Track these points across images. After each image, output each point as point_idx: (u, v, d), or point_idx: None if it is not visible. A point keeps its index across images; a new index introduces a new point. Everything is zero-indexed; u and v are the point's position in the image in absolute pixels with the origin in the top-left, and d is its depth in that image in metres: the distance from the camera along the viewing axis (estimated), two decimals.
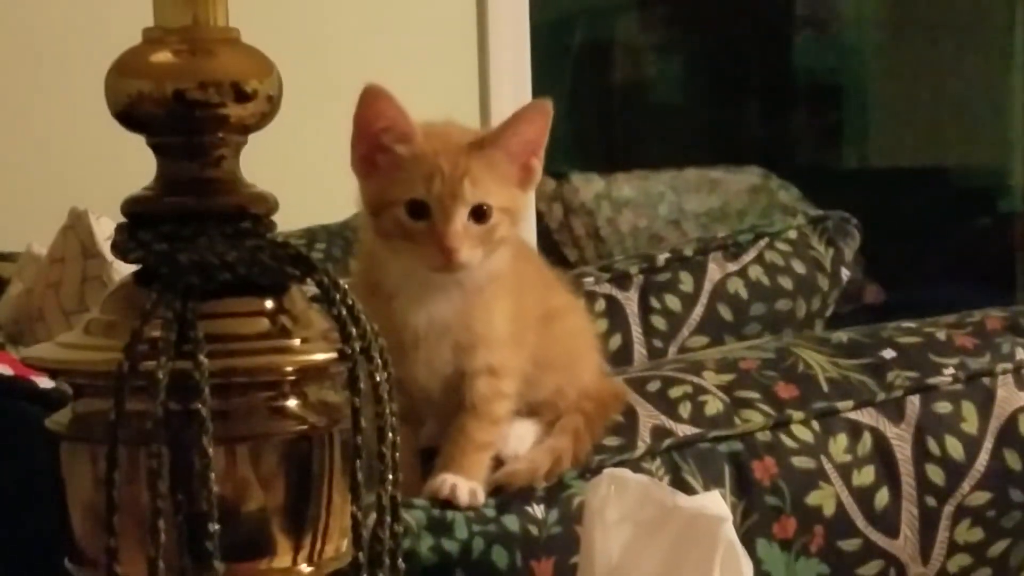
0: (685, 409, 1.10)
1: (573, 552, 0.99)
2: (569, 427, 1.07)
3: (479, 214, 0.99)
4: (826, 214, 1.53)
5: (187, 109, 0.68)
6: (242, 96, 0.69)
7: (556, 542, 1.01)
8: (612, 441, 1.08)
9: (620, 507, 0.93)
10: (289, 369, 0.69)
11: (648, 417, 1.09)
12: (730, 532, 0.92)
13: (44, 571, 0.76)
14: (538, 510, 1.01)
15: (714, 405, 1.11)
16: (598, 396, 1.10)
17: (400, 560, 0.70)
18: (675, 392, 1.12)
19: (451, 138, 1.01)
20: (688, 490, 1.04)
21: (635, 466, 1.05)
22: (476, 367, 1.03)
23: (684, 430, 1.09)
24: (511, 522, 1.00)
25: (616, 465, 1.03)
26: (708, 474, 1.07)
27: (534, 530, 1.00)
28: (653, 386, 1.13)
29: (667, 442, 1.08)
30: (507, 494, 1.02)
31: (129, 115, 0.69)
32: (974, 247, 3.94)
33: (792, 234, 1.49)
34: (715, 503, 0.94)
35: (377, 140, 1.00)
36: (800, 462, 1.09)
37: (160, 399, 0.64)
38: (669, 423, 1.09)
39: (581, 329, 1.15)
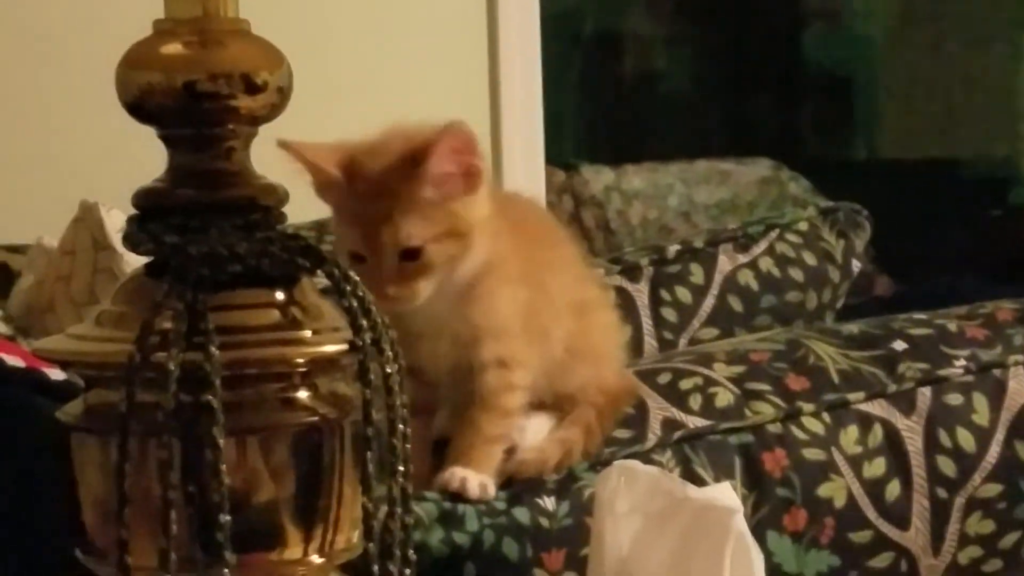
0: (695, 401, 1.10)
1: (584, 544, 0.99)
2: (580, 419, 1.07)
3: (410, 255, 0.98)
4: (837, 205, 1.53)
5: (197, 101, 0.68)
6: (252, 88, 0.69)
7: (567, 534, 1.01)
8: (623, 433, 1.08)
9: (630, 499, 0.93)
10: (300, 361, 0.69)
11: (659, 409, 1.09)
12: (741, 524, 0.92)
13: (56, 562, 0.76)
14: (549, 502, 1.01)
15: (724, 397, 1.11)
16: (610, 390, 1.10)
17: (411, 551, 0.70)
18: (685, 384, 1.12)
19: (373, 176, 0.98)
20: (699, 482, 1.03)
21: (646, 458, 1.05)
22: (484, 360, 1.02)
23: (694, 422, 1.09)
24: (522, 514, 1.00)
25: (627, 457, 1.03)
26: (719, 466, 1.06)
27: (545, 522, 1.00)
28: (663, 378, 1.13)
29: (678, 434, 1.08)
30: (517, 486, 1.02)
31: (139, 107, 0.69)
32: (985, 239, 3.92)
33: (803, 226, 1.49)
34: (725, 495, 0.94)
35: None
36: (811, 454, 1.09)
37: (171, 391, 0.64)
38: (680, 415, 1.09)
39: (610, 325, 1.14)
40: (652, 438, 1.07)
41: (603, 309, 1.14)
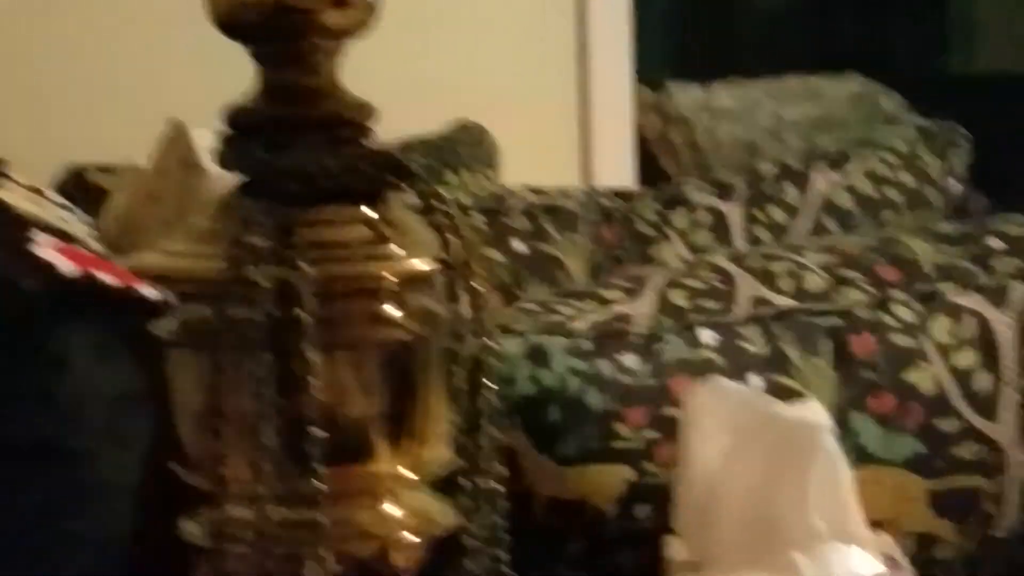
0: (786, 283, 1.10)
1: (664, 404, 0.99)
2: None
3: None
4: (935, 125, 1.51)
5: (286, 15, 0.68)
6: (341, 1, 0.68)
7: (648, 393, 1.00)
8: (710, 303, 1.07)
9: (719, 415, 0.93)
10: (389, 277, 0.69)
11: (748, 287, 1.09)
12: (828, 440, 0.92)
13: (153, 477, 0.77)
14: (631, 360, 1.01)
15: (815, 281, 1.10)
16: None
17: (497, 464, 0.70)
18: (777, 267, 1.12)
19: None
20: (785, 360, 1.03)
21: (732, 331, 1.04)
22: None
23: (784, 301, 1.08)
24: (605, 367, 1.00)
25: (713, 327, 1.03)
26: (806, 346, 1.05)
27: (627, 379, 1.00)
28: (755, 262, 1.13)
29: (766, 311, 1.07)
30: (601, 336, 1.02)
31: (229, 23, 0.69)
32: None
33: (900, 145, 1.47)
34: (814, 411, 0.93)
35: None
36: (900, 340, 1.07)
37: (262, 307, 0.65)
38: (769, 294, 1.09)
39: None
40: (740, 313, 1.07)
41: None
